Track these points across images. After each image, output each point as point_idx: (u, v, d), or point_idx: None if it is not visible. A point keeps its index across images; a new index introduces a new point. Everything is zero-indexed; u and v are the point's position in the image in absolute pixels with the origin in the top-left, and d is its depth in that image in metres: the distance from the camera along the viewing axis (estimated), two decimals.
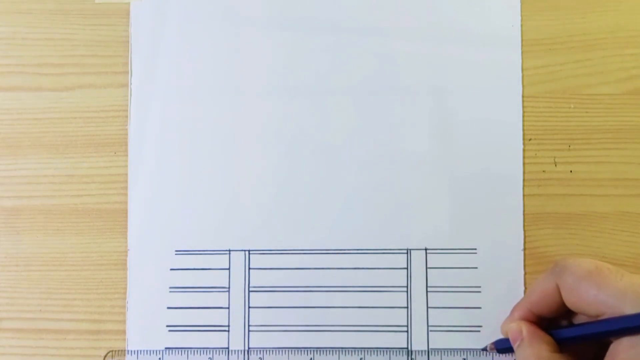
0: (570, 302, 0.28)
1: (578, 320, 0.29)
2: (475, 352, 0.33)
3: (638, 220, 0.34)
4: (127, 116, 0.34)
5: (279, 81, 0.34)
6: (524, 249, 0.33)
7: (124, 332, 0.33)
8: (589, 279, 0.27)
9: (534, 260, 0.33)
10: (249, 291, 0.34)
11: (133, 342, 0.33)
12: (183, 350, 0.33)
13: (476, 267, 0.33)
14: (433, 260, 0.33)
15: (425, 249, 0.33)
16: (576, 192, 0.34)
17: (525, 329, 0.29)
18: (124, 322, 0.34)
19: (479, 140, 0.34)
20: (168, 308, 0.33)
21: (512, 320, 0.30)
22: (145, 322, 0.33)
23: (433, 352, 0.33)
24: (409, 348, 0.33)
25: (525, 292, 0.33)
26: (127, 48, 0.35)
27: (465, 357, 0.33)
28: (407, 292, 0.33)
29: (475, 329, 0.33)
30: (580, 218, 0.34)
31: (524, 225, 0.33)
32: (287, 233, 0.34)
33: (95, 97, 0.35)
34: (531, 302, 0.29)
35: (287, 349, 0.33)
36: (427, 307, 0.33)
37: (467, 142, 0.34)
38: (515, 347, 0.29)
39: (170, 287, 0.34)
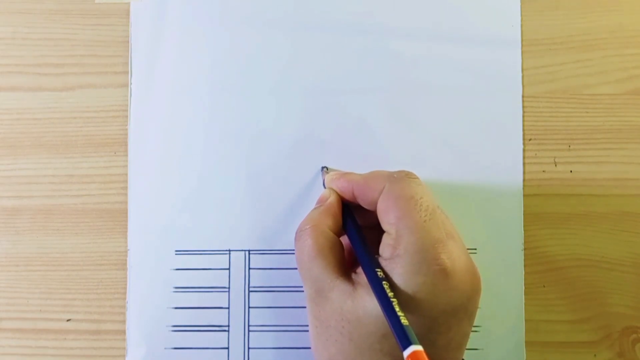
0: (371, 204, 0.28)
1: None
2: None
3: (638, 220, 0.34)
4: (127, 116, 0.34)
5: (279, 81, 0.34)
6: (524, 249, 0.33)
7: (124, 332, 0.33)
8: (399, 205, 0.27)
9: (534, 260, 0.33)
10: (249, 291, 0.34)
11: (133, 342, 0.33)
12: (183, 350, 0.33)
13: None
14: None
15: None
16: (576, 192, 0.34)
17: (332, 198, 0.30)
18: (124, 322, 0.34)
19: (479, 140, 0.34)
20: (168, 308, 0.33)
21: (335, 182, 0.31)
22: (145, 322, 0.33)
23: None
24: None
25: (524, 291, 0.33)
26: (127, 48, 0.35)
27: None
28: None
29: (473, 328, 0.33)
30: (580, 218, 0.34)
31: (524, 225, 0.33)
32: (287, 233, 0.34)
33: (95, 97, 0.35)
34: (357, 182, 0.29)
35: (287, 349, 0.33)
36: None
37: (467, 142, 0.34)
38: (315, 205, 0.31)
39: (171, 287, 0.34)
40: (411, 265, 0.25)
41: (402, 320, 0.24)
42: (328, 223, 0.29)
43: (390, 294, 0.25)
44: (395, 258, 0.26)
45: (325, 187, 0.32)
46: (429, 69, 0.34)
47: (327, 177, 0.32)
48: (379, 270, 0.26)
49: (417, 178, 0.28)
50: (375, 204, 0.28)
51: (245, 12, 0.35)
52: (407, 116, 0.34)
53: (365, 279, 0.26)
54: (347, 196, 0.30)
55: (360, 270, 0.27)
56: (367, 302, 0.26)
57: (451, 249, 0.26)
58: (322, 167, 0.33)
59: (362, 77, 0.34)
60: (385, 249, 0.27)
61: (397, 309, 0.24)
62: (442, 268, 0.25)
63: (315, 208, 0.31)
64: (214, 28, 0.35)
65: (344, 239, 0.30)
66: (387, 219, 0.27)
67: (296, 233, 0.30)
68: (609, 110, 0.34)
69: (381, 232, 0.28)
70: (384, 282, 0.25)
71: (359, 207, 0.30)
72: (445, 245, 0.26)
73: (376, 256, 0.27)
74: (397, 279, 0.26)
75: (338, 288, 0.27)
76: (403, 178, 0.28)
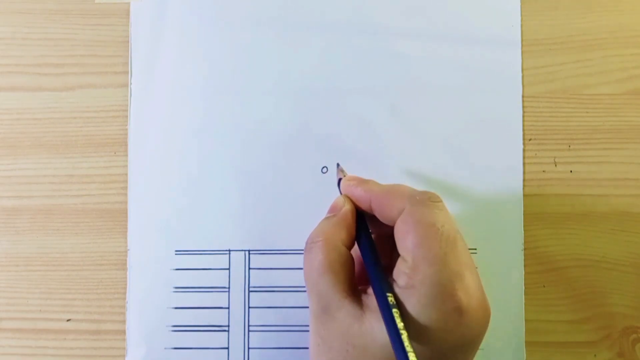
0: (389, 220, 0.27)
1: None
2: None
3: (638, 220, 0.34)
4: (127, 116, 0.34)
5: (279, 80, 0.34)
6: (524, 249, 0.33)
7: (124, 332, 0.33)
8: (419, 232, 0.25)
9: (534, 260, 0.33)
10: (249, 291, 0.34)
11: (133, 342, 0.33)
12: (183, 350, 0.33)
13: (476, 267, 0.33)
14: None
15: None
16: (576, 192, 0.34)
17: (347, 208, 0.29)
18: (124, 322, 0.34)
19: (479, 140, 0.34)
20: (168, 308, 0.33)
21: (352, 189, 0.29)
22: (145, 322, 0.33)
23: None
24: None
25: (524, 291, 0.33)
26: (127, 48, 0.35)
27: None
28: None
29: None
30: (580, 218, 0.34)
31: (524, 225, 0.33)
32: (287, 233, 0.34)
33: (95, 97, 0.35)
34: (376, 195, 0.28)
35: (287, 349, 0.33)
36: None
37: (467, 142, 0.34)
38: (327, 213, 0.29)
39: (171, 287, 0.34)
40: (426, 298, 0.24)
41: (410, 357, 0.22)
42: (341, 236, 0.28)
43: (400, 325, 0.23)
44: (410, 289, 0.25)
45: (339, 188, 0.31)
46: (429, 69, 0.34)
47: (344, 182, 0.30)
48: (390, 295, 0.25)
49: (441, 201, 0.27)
50: (394, 221, 0.26)
51: (245, 12, 0.35)
52: (407, 116, 0.34)
53: (375, 303, 0.25)
54: (363, 206, 0.29)
55: (370, 291, 0.26)
56: (375, 329, 0.25)
57: (468, 284, 0.25)
58: (337, 166, 0.33)
59: (362, 77, 0.34)
60: (400, 276, 0.25)
61: (406, 343, 0.23)
62: (457, 306, 0.24)
63: (327, 217, 0.29)
64: (213, 28, 0.35)
65: (355, 251, 0.29)
66: (404, 243, 0.26)
67: (306, 244, 0.28)
68: (609, 110, 0.34)
69: (394, 242, 0.27)
70: (394, 310, 0.24)
71: (373, 216, 0.29)
72: (463, 280, 0.25)
73: (389, 278, 0.26)
74: (410, 310, 0.24)
75: (346, 309, 0.26)
76: (425, 201, 0.26)
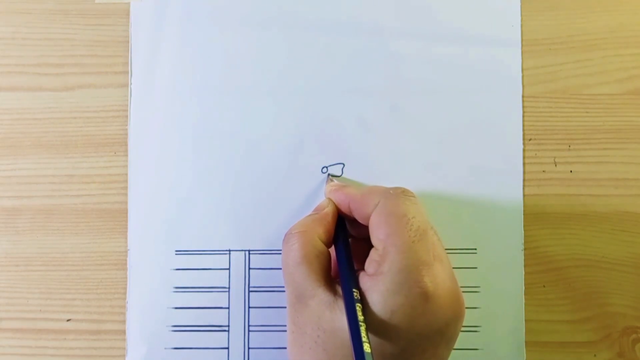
0: (365, 218, 0.28)
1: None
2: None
3: (638, 220, 0.34)
4: (127, 116, 0.34)
5: (279, 80, 0.34)
6: (524, 249, 0.33)
7: (124, 332, 0.33)
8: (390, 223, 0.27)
9: (534, 260, 0.33)
10: (249, 291, 0.34)
11: (133, 342, 0.33)
12: (183, 350, 0.33)
13: (476, 267, 0.33)
14: None
15: None
16: (576, 192, 0.34)
17: (328, 209, 0.30)
18: (124, 322, 0.34)
19: (479, 140, 0.34)
20: (168, 308, 0.33)
21: (333, 193, 0.31)
22: (145, 322, 0.33)
23: None
24: None
25: (524, 291, 0.33)
26: (127, 48, 0.35)
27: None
28: None
29: (473, 329, 0.33)
30: (580, 218, 0.34)
31: (524, 225, 0.33)
32: None
33: (95, 97, 0.35)
34: (354, 196, 0.29)
35: (286, 349, 0.33)
36: None
37: (467, 142, 0.34)
38: (311, 212, 0.31)
39: (171, 287, 0.34)
40: (392, 284, 0.25)
41: (365, 347, 0.23)
42: (318, 232, 0.29)
43: (361, 318, 0.25)
44: (379, 275, 0.26)
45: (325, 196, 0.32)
46: (429, 69, 0.34)
47: (327, 187, 0.32)
48: (355, 291, 0.26)
49: (414, 196, 0.28)
50: (369, 218, 0.28)
51: (245, 12, 0.35)
52: (407, 116, 0.34)
53: None
54: (344, 209, 0.30)
55: None
56: (344, 316, 0.26)
57: (436, 272, 0.26)
58: (327, 175, 0.33)
59: (362, 77, 0.34)
60: (370, 264, 0.27)
61: (363, 334, 0.24)
62: (423, 291, 0.25)
63: (309, 214, 0.31)
64: (214, 28, 0.35)
65: (333, 253, 0.30)
66: (377, 234, 0.27)
67: (285, 235, 0.29)
68: (609, 110, 0.34)
69: (372, 246, 0.28)
70: (357, 305, 0.25)
71: (355, 220, 0.30)
72: (431, 268, 0.26)
73: (358, 273, 0.27)
74: (377, 297, 0.25)
75: (319, 297, 0.27)
76: (399, 195, 0.28)
